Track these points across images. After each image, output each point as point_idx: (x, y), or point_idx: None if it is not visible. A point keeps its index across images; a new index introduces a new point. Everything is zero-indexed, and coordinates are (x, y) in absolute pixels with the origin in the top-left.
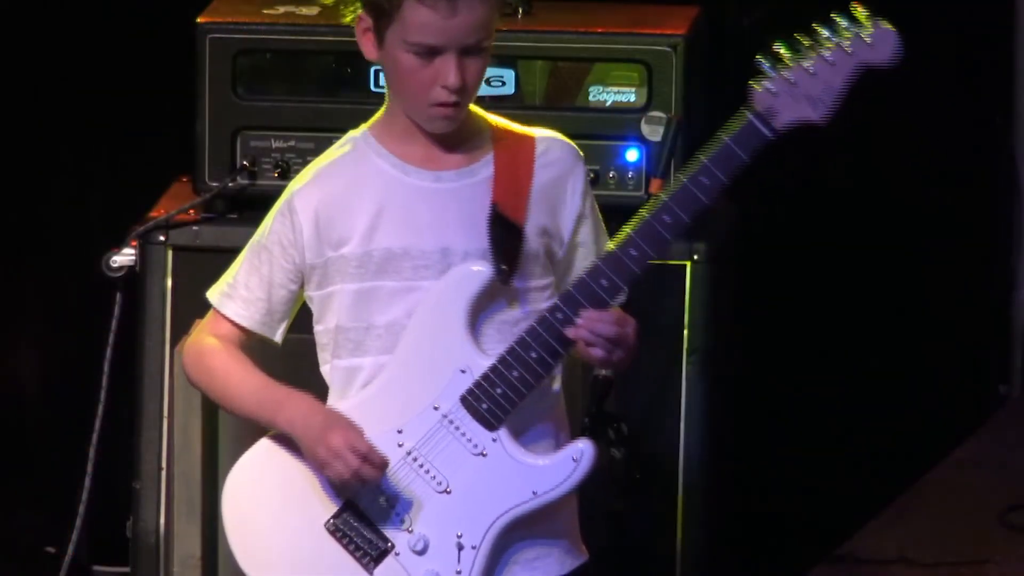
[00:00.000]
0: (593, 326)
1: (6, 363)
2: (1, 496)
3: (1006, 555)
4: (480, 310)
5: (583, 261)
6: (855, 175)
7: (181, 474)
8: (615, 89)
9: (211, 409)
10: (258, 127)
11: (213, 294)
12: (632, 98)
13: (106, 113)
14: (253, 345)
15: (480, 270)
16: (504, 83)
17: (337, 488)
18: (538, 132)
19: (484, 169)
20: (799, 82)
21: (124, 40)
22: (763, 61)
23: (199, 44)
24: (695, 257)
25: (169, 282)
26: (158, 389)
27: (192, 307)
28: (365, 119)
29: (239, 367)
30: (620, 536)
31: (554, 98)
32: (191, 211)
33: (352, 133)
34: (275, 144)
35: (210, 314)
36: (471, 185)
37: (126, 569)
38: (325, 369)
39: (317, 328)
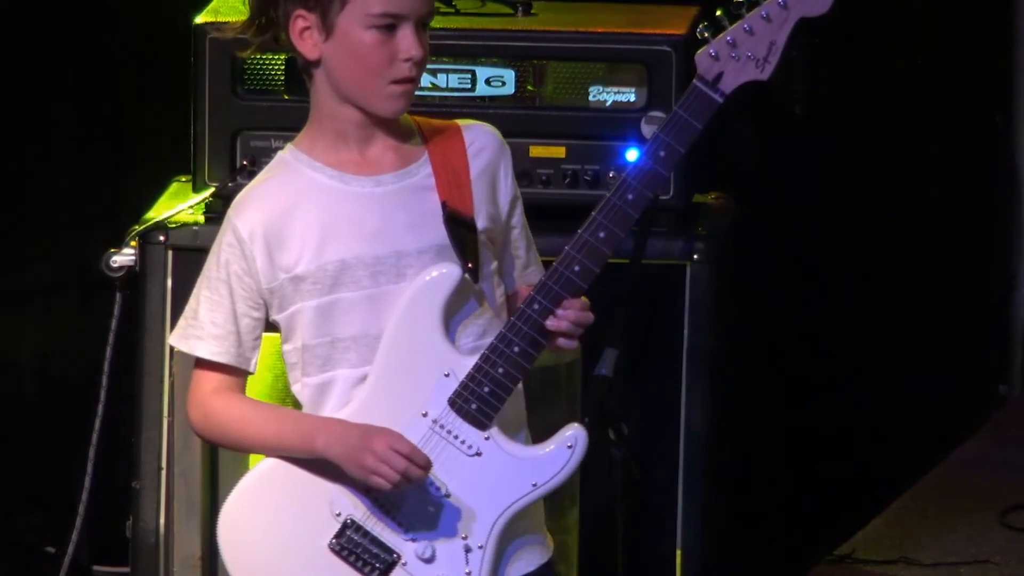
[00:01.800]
0: (571, 316)
1: (7, 363)
2: (1, 496)
3: (1006, 555)
4: (452, 312)
5: (517, 241)
6: (855, 176)
7: (181, 474)
8: (615, 89)
9: None
10: (257, 127)
11: (178, 339)
12: (632, 98)
13: (106, 113)
14: (241, 381)
15: (449, 271)
16: (504, 83)
17: (377, 494)
18: (461, 123)
19: (421, 169)
20: (739, 42)
21: (124, 40)
22: (702, 27)
23: (199, 44)
24: (695, 257)
25: (169, 282)
26: (158, 389)
27: None
28: None
29: (251, 412)
30: (618, 533)
31: (554, 98)
32: (191, 211)
33: (280, 153)
34: (275, 144)
35: (196, 374)
36: (412, 186)
37: (126, 569)
38: (296, 388)
39: (285, 347)
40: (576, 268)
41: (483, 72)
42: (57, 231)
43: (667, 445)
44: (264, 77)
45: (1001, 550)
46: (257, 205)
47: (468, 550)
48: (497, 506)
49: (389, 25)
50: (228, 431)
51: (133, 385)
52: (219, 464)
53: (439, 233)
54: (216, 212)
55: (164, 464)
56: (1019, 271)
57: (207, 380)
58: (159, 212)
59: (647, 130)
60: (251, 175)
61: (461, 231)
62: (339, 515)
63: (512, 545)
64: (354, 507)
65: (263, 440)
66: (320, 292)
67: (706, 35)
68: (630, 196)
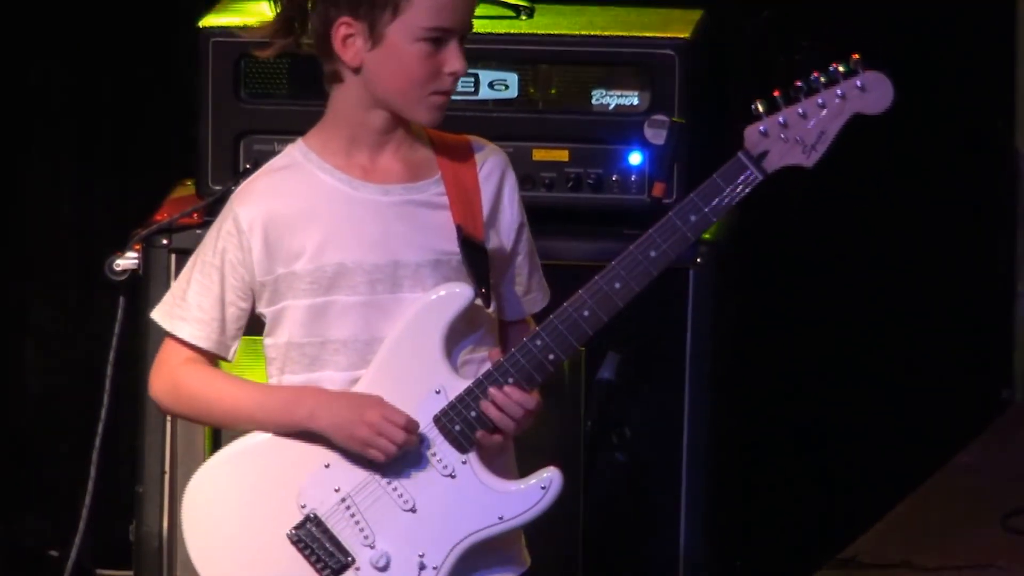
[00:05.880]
0: (509, 408)
1: (10, 366)
2: (5, 499)
3: (1009, 560)
4: (457, 332)
5: (520, 268)
6: (857, 182)
7: (184, 477)
8: (618, 93)
9: None
10: (261, 130)
11: (162, 317)
12: (635, 102)
13: (109, 117)
14: (214, 363)
15: (462, 292)
16: (507, 87)
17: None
18: (473, 144)
19: (433, 187)
20: (791, 124)
21: (128, 43)
22: (756, 103)
23: (202, 47)
24: (698, 260)
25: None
26: None
27: None
28: None
29: (224, 383)
30: (622, 539)
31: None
32: (194, 215)
33: (289, 148)
34: (278, 148)
35: (167, 344)
36: (420, 201)
37: (129, 573)
38: (273, 383)
39: (267, 341)
40: (585, 313)
41: (486, 76)
42: (60, 234)
43: (670, 449)
44: (267, 81)
45: (1004, 554)
46: (261, 197)
47: (422, 567)
48: (459, 531)
49: (437, 39)
50: (197, 401)
51: (136, 388)
52: None
53: (437, 249)
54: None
55: (167, 468)
56: (1021, 275)
57: (179, 352)
58: (163, 216)
59: (650, 133)
60: None
61: (474, 254)
62: (304, 507)
63: (471, 574)
64: (320, 503)
65: (238, 411)
66: (315, 292)
67: (760, 110)
68: (652, 253)
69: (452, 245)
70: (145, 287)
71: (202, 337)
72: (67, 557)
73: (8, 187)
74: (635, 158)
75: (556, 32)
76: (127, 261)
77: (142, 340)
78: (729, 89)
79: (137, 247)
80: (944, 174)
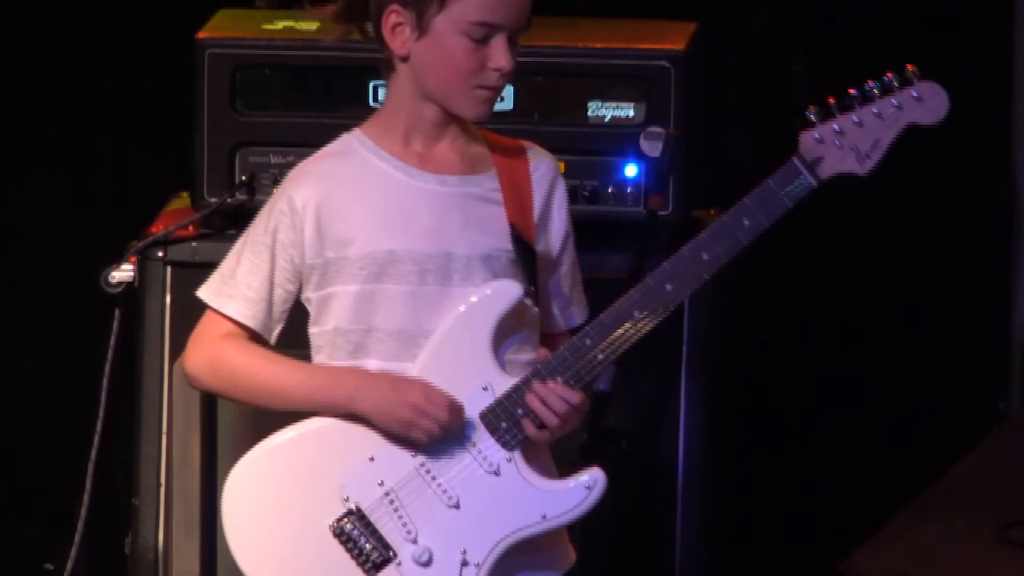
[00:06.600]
0: (555, 405)
1: (6, 378)
2: (0, 512)
3: (1005, 572)
4: (505, 330)
5: (564, 278)
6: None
7: (180, 490)
8: (614, 105)
9: (210, 425)
10: (257, 143)
11: (210, 295)
12: (631, 114)
13: (105, 128)
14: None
15: (512, 288)
16: (503, 98)
17: (417, 446)
18: (527, 146)
19: (488, 182)
20: (846, 132)
21: (123, 55)
22: (811, 109)
23: (198, 59)
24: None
25: (168, 298)
26: (157, 405)
27: (190, 323)
28: None
29: (265, 360)
30: (620, 548)
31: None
32: (190, 227)
33: (345, 135)
34: (274, 160)
35: (208, 319)
36: (475, 194)
37: None
38: None
39: (313, 330)
40: (636, 313)
41: None
42: (56, 247)
43: (666, 456)
44: (263, 93)
45: (1001, 565)
46: (316, 179)
47: (464, 564)
48: (502, 529)
49: (484, 34)
50: (236, 376)
51: (132, 401)
52: (218, 481)
53: (489, 244)
54: (215, 228)
55: (163, 481)
56: (1017, 287)
57: (220, 326)
58: (158, 228)
59: (645, 145)
60: (250, 191)
61: (525, 253)
62: (347, 499)
63: (514, 572)
64: (363, 496)
65: (277, 387)
66: (364, 279)
67: (813, 118)
68: (705, 256)
69: (504, 242)
70: (141, 299)
71: (249, 316)
72: (63, 570)
73: (3, 198)
74: (631, 170)
75: (552, 44)
76: (123, 273)
77: (138, 352)
78: (725, 100)
79: (133, 259)
80: (941, 187)
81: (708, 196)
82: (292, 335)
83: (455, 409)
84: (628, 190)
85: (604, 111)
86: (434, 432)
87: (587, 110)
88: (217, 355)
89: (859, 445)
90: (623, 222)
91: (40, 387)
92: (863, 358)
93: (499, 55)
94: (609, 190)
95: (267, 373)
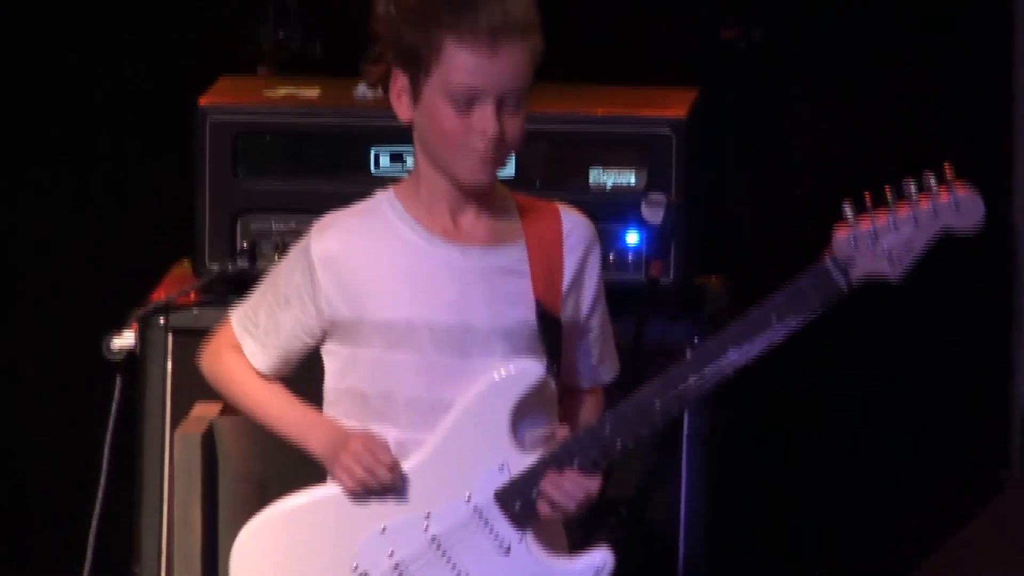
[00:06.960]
0: (570, 491)
1: (8, 445)
2: None
3: None
4: (525, 407)
5: (594, 340)
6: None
7: (181, 557)
8: (615, 171)
9: (211, 492)
10: (258, 209)
11: (237, 320)
12: (632, 181)
13: (107, 195)
14: None
15: (534, 369)
16: (504, 165)
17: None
18: (562, 210)
19: (516, 252)
20: (881, 236)
21: (125, 122)
22: (846, 209)
23: (199, 126)
24: (696, 340)
25: (169, 365)
26: (158, 472)
27: (192, 389)
28: None
29: (256, 384)
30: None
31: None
32: (191, 293)
33: (379, 192)
34: (275, 226)
35: (225, 323)
36: (499, 267)
37: None
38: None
39: (328, 385)
40: (656, 403)
41: None
42: (57, 314)
43: (665, 524)
44: (265, 159)
45: None
46: (340, 234)
47: None
48: None
49: (468, 98)
50: (229, 387)
51: (134, 468)
52: (219, 548)
53: (512, 316)
54: (216, 294)
55: (164, 547)
56: (1018, 355)
57: (232, 335)
58: (160, 295)
59: (647, 212)
60: (251, 258)
61: (550, 327)
62: (356, 568)
63: None
64: (373, 565)
65: (260, 412)
66: (380, 345)
67: (847, 213)
68: (734, 355)
69: (527, 314)
70: (142, 366)
71: (261, 360)
72: None
73: (4, 265)
74: (632, 238)
75: (553, 111)
76: (124, 341)
77: (139, 419)
78: (726, 167)
79: (134, 326)
80: (944, 259)
81: (709, 262)
82: None
83: (393, 469)
84: (629, 257)
85: (606, 178)
86: (358, 475)
87: (589, 177)
88: (218, 361)
89: (860, 516)
90: (624, 289)
91: (43, 454)
92: (864, 427)
93: (483, 119)
94: (610, 257)
95: (256, 397)
